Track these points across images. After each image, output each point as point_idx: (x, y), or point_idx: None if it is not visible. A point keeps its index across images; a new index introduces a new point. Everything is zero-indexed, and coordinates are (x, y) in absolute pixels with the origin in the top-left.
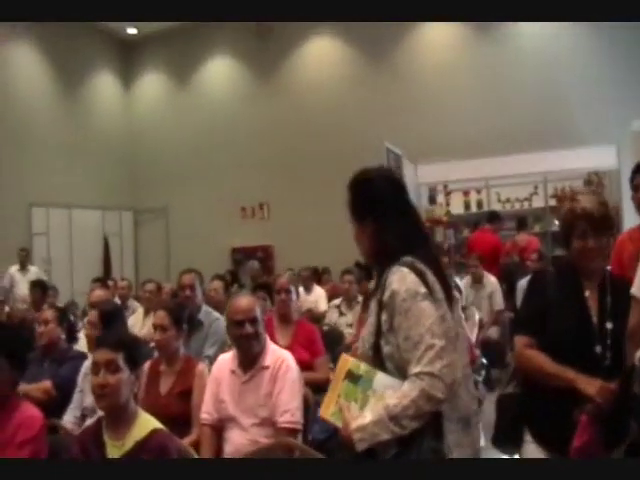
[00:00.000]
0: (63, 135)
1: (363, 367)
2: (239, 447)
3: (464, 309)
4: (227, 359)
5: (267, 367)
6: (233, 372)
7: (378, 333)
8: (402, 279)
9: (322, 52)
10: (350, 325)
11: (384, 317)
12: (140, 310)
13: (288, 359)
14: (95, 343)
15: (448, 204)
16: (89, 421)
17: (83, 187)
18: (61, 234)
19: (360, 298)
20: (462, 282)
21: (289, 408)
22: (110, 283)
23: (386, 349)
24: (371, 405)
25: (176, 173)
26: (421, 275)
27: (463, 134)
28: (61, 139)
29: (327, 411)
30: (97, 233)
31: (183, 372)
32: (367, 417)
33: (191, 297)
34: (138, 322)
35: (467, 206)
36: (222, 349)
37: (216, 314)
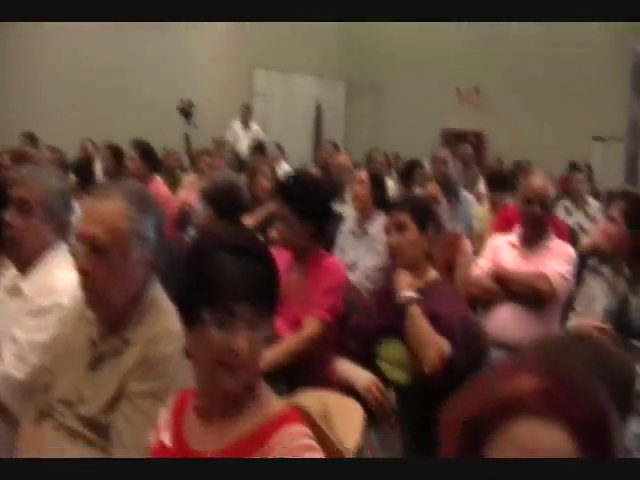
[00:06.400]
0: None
1: None
2: None
3: None
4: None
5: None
6: (513, 246)
7: None
8: None
9: None
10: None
11: None
12: None
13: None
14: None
15: None
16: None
17: (302, 53)
18: (278, 97)
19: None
20: None
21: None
22: None
23: None
24: None
25: (395, 51)
26: None
27: None
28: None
29: None
30: (311, 99)
31: (447, 245)
32: None
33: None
34: None
35: None
36: (470, 230)
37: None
